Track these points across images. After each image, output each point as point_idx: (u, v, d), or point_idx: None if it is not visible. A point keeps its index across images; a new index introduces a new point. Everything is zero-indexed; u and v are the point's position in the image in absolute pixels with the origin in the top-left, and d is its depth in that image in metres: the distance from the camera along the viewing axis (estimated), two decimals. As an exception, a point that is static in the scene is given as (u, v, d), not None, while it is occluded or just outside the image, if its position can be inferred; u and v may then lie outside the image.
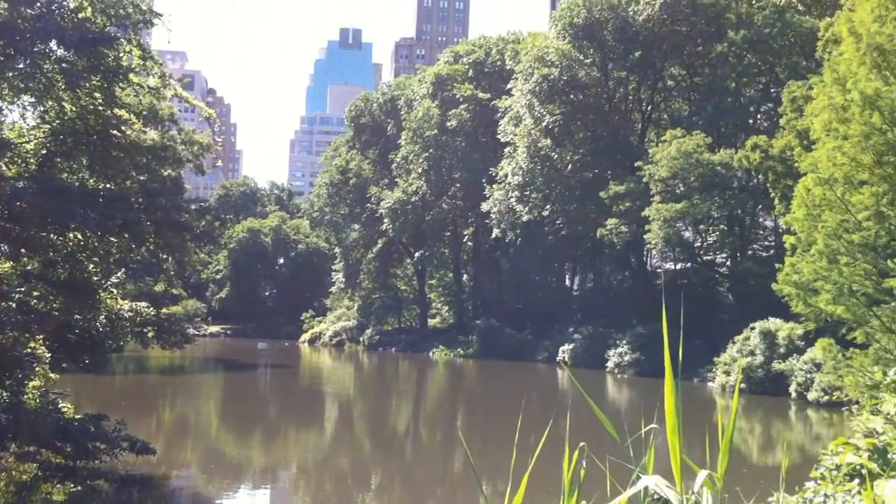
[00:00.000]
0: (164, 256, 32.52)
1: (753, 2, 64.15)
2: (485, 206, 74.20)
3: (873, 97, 22.50)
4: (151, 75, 25.13)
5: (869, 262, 22.76)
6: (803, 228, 24.22)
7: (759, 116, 65.22)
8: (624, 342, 60.25)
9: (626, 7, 66.84)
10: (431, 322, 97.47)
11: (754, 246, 63.35)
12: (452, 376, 67.71)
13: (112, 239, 23.24)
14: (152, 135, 31.19)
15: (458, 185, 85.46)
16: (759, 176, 54.58)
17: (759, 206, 59.02)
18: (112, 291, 26.86)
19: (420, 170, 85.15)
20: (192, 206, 32.09)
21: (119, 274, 30.65)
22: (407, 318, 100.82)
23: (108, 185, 24.67)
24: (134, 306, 28.18)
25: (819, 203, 23.55)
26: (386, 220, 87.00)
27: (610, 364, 60.05)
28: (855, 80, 22.99)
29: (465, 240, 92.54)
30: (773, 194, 46.09)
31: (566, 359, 65.05)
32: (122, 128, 23.98)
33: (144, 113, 28.86)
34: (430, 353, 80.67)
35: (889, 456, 6.54)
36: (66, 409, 20.94)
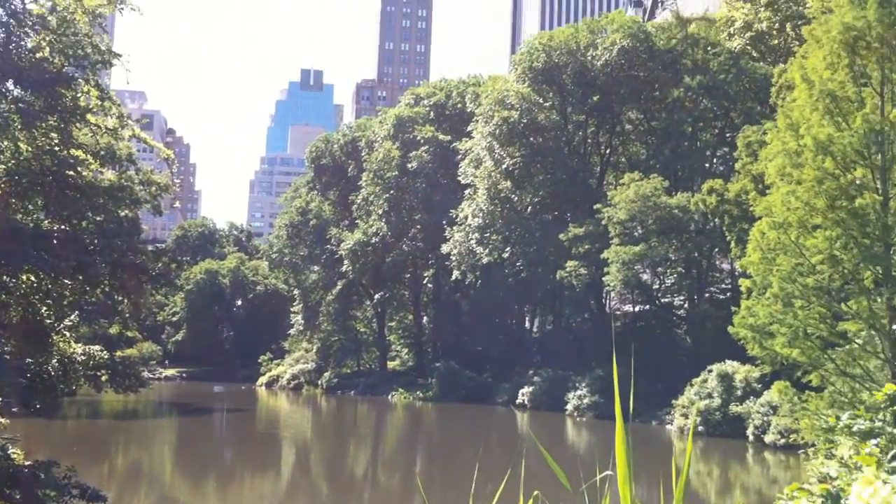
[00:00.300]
0: (120, 298, 32.05)
1: (709, 48, 65.49)
2: (445, 248, 74.28)
3: (826, 143, 22.95)
4: (109, 115, 24.92)
5: (823, 305, 23.04)
6: (758, 272, 24.47)
7: (715, 160, 66.26)
8: (583, 385, 60.29)
9: (584, 52, 67.82)
10: (391, 364, 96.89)
11: (711, 288, 63.98)
12: (411, 420, 67.18)
13: (66, 281, 22.89)
14: (109, 175, 30.86)
15: (418, 226, 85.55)
16: (716, 219, 55.31)
17: (716, 249, 59.71)
18: (65, 334, 26.38)
19: (380, 211, 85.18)
20: (149, 248, 31.73)
21: (73, 317, 30.15)
22: (366, 360, 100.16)
23: (62, 227, 24.33)
24: (87, 349, 27.68)
25: (774, 247, 23.83)
26: (346, 262, 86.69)
27: (569, 407, 60.00)
28: (808, 126, 23.44)
29: (425, 281, 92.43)
30: (729, 237, 46.70)
31: (526, 401, 64.89)
32: (79, 168, 23.73)
33: (102, 153, 28.56)
34: (390, 397, 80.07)
35: (842, 502, 6.54)
36: (15, 455, 20.38)
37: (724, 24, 66.72)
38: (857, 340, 22.79)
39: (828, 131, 22.88)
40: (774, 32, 64.02)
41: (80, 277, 23.01)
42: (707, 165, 65.78)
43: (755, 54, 64.32)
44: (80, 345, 27.61)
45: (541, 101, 69.34)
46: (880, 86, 23.47)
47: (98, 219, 28.39)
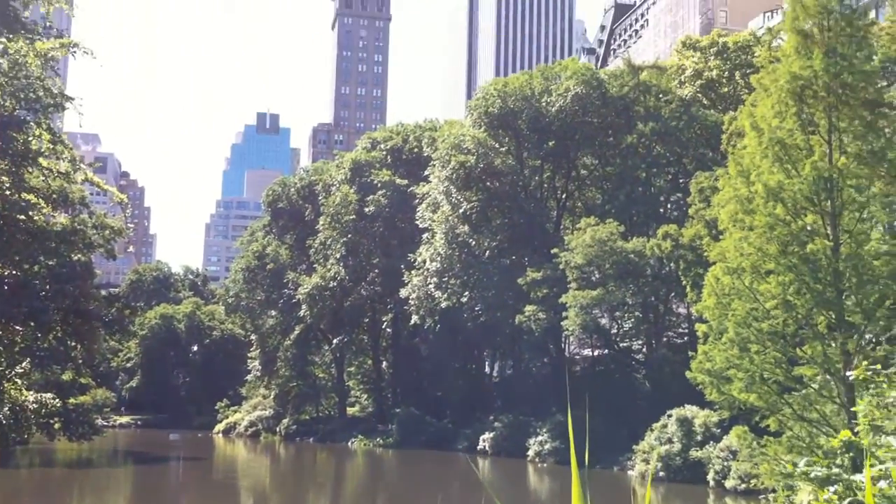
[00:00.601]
0: (73, 344, 31.42)
1: (660, 96, 66.63)
2: (403, 293, 74.08)
3: (776, 189, 23.36)
4: (62, 159, 24.60)
5: (778, 350, 23.28)
6: (714, 317, 24.71)
7: (669, 206, 67.09)
8: (544, 430, 60.09)
9: (539, 98, 68.61)
10: (350, 410, 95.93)
11: (669, 333, 64.40)
12: (371, 468, 66.40)
13: (17, 328, 22.45)
14: (62, 219, 30.40)
15: (376, 270, 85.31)
16: (671, 264, 55.86)
17: (672, 294, 60.23)
18: (17, 382, 25.82)
19: (338, 255, 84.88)
20: (102, 293, 31.20)
21: (24, 364, 29.51)
22: (325, 406, 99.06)
23: (13, 272, 23.89)
24: (40, 397, 27.15)
25: (728, 292, 24.11)
26: (303, 306, 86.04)
27: (531, 453, 59.70)
28: (758, 173, 23.86)
29: (383, 326, 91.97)
30: (684, 282, 47.13)
31: (487, 447, 64.50)
32: (30, 212, 23.37)
33: (54, 196, 28.17)
34: (349, 444, 79.15)
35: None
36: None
37: (675, 72, 68.02)
38: (813, 385, 23.05)
39: (778, 178, 23.30)
40: (724, 80, 65.40)
41: (32, 324, 22.60)
42: (661, 210, 66.58)
43: (706, 102, 65.58)
44: (31, 392, 27.04)
45: (497, 146, 69.89)
46: (828, 134, 24.00)
47: (50, 263, 27.91)
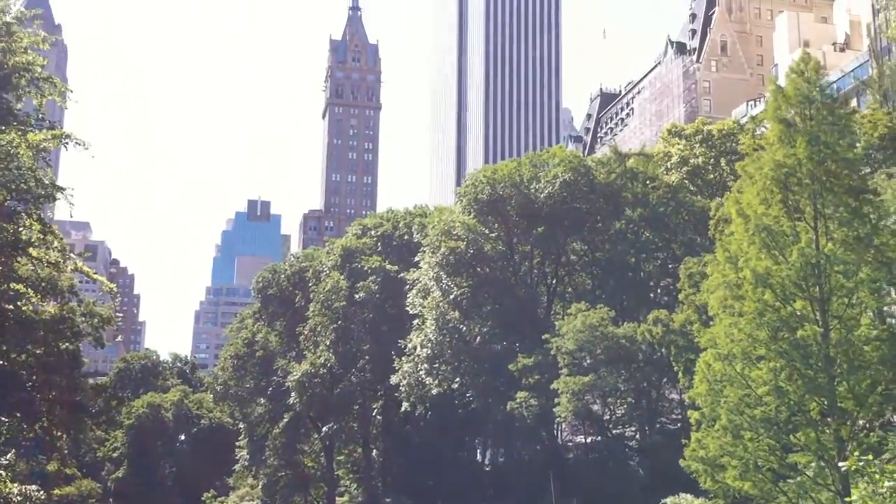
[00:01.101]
0: (58, 434, 30.95)
1: (648, 182, 67.45)
2: (394, 379, 73.41)
3: (764, 275, 23.49)
4: (51, 249, 24.62)
5: (772, 437, 23.09)
6: (706, 403, 24.56)
7: (659, 291, 67.30)
8: (536, 519, 58.98)
9: (528, 184, 69.31)
10: (340, 501, 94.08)
11: (662, 419, 63.80)
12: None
13: (3, 418, 22.17)
14: (50, 308, 30.27)
15: (366, 357, 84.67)
16: (663, 349, 55.70)
17: (665, 380, 59.89)
18: (1, 473, 25.34)
19: (328, 342, 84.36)
20: (89, 383, 30.86)
21: (9, 455, 29.00)
22: (314, 496, 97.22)
23: (1, 362, 23.70)
24: (24, 489, 26.57)
25: (720, 378, 24.02)
26: (293, 394, 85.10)
27: (522, 542, 58.48)
28: (746, 259, 24.03)
29: (374, 413, 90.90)
30: (676, 368, 46.95)
31: (478, 537, 63.21)
32: (19, 302, 23.29)
33: (43, 285, 28.12)
34: (337, 534, 77.50)
35: None
36: None
37: (662, 159, 69.10)
38: (808, 472, 22.78)
39: (766, 264, 23.46)
40: (710, 167, 66.44)
41: (18, 414, 22.31)
42: (651, 296, 66.72)
43: (693, 188, 66.46)
44: (16, 484, 26.46)
45: (487, 231, 70.30)
46: (814, 220, 24.27)
47: (38, 352, 27.66)
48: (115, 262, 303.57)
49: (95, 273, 27.46)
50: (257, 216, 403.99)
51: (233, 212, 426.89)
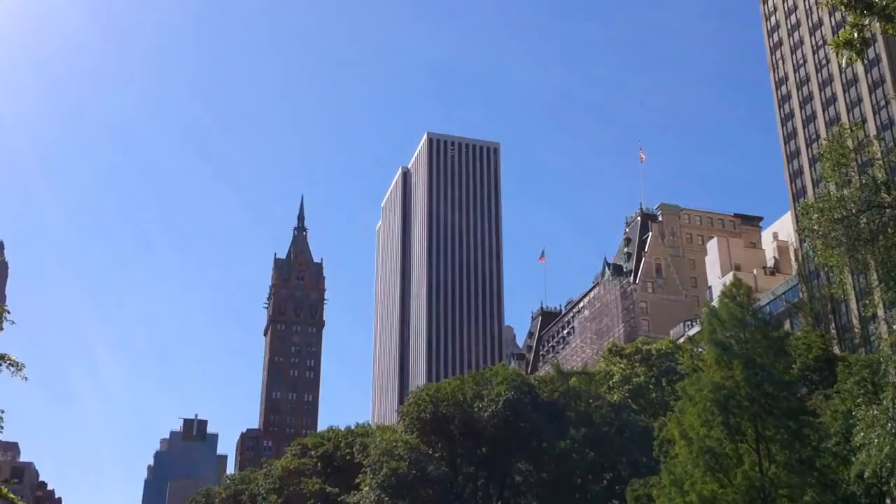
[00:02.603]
0: None
1: (591, 401, 67.60)
2: None
3: (710, 499, 23.25)
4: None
5: None
6: None
7: (606, 513, 65.83)
8: None
9: (471, 403, 68.94)
10: None
11: None
12: None
13: None
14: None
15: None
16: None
17: None
18: None
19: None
20: None
21: None
22: None
23: None
24: None
25: None
26: None
27: None
28: (692, 482, 23.84)
29: None
30: None
31: None
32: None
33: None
34: None
35: None
36: None
37: (604, 377, 69.72)
38: None
39: (711, 488, 23.29)
40: (651, 387, 67.09)
41: None
42: (598, 518, 65.22)
43: (635, 407, 66.73)
44: None
45: (430, 451, 69.08)
46: (755, 442, 24.40)
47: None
48: (43, 486, 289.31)
49: (21, 500, 26.14)
50: (193, 435, 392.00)
51: (167, 431, 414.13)
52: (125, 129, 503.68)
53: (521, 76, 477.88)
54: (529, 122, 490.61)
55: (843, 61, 17.83)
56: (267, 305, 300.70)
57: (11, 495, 24.46)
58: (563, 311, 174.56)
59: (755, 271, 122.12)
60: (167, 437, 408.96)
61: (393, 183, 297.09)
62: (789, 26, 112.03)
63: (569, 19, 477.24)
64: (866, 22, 17.08)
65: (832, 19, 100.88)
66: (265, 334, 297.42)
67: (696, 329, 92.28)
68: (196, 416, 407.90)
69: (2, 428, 22.26)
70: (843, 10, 17.47)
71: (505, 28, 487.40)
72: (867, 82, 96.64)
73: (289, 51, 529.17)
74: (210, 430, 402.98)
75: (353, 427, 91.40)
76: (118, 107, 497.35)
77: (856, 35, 16.83)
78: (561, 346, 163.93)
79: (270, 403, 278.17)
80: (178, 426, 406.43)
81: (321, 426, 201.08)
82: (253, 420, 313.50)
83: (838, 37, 17.76)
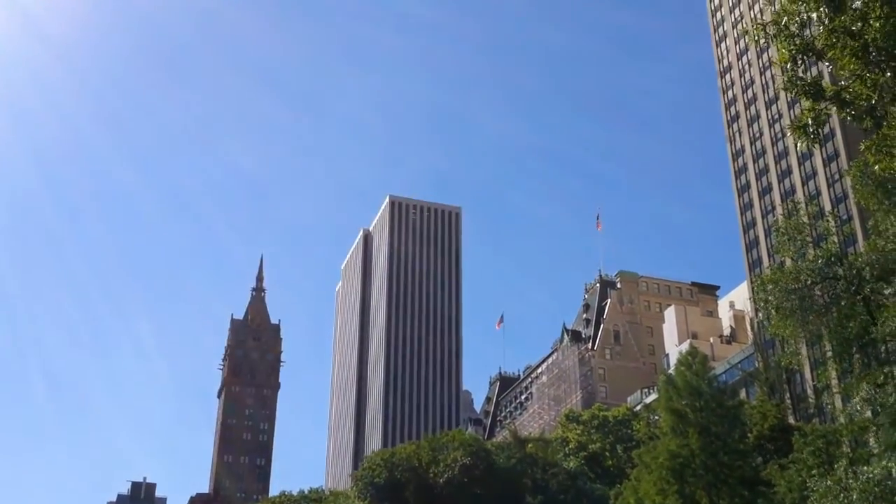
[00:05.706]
0: None
1: (547, 468, 67.04)
2: None
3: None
4: None
5: None
6: None
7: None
8: None
9: (427, 468, 68.07)
10: None
11: None
12: None
13: None
14: None
15: None
16: None
17: None
18: None
19: None
20: None
21: None
22: None
23: None
24: None
25: None
26: None
27: None
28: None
29: None
30: None
31: None
32: None
33: None
34: None
35: None
36: None
37: (560, 444, 69.30)
38: None
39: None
40: (607, 454, 66.75)
41: None
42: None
43: (591, 474, 66.27)
44: None
45: (384, 519, 67.81)
46: (711, 512, 24.15)
47: None
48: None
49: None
50: (141, 499, 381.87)
51: (114, 494, 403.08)
52: (90, 183, 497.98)
53: (486, 133, 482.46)
54: (493, 181, 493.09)
55: (801, 146, 18.11)
56: (222, 367, 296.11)
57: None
58: (522, 377, 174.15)
59: (712, 339, 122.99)
60: (114, 500, 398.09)
61: (354, 245, 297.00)
62: (746, 100, 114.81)
63: (541, 78, 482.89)
64: (822, 107, 17.43)
65: (788, 95, 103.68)
66: (219, 396, 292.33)
67: (653, 396, 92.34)
68: (145, 478, 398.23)
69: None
70: (801, 98, 17.83)
71: (472, 85, 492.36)
72: (822, 156, 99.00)
73: (250, 108, 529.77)
74: (159, 493, 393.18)
75: (306, 492, 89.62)
76: (86, 159, 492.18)
77: (810, 122, 17.15)
78: (519, 412, 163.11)
79: (222, 467, 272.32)
80: (125, 489, 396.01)
81: (273, 491, 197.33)
82: (203, 484, 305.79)
83: (795, 118, 18.07)
